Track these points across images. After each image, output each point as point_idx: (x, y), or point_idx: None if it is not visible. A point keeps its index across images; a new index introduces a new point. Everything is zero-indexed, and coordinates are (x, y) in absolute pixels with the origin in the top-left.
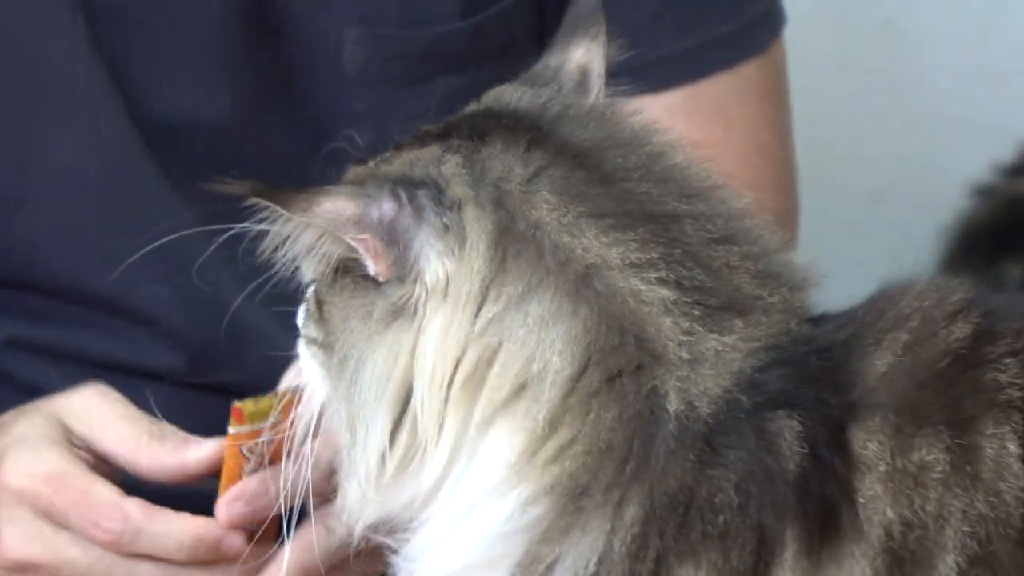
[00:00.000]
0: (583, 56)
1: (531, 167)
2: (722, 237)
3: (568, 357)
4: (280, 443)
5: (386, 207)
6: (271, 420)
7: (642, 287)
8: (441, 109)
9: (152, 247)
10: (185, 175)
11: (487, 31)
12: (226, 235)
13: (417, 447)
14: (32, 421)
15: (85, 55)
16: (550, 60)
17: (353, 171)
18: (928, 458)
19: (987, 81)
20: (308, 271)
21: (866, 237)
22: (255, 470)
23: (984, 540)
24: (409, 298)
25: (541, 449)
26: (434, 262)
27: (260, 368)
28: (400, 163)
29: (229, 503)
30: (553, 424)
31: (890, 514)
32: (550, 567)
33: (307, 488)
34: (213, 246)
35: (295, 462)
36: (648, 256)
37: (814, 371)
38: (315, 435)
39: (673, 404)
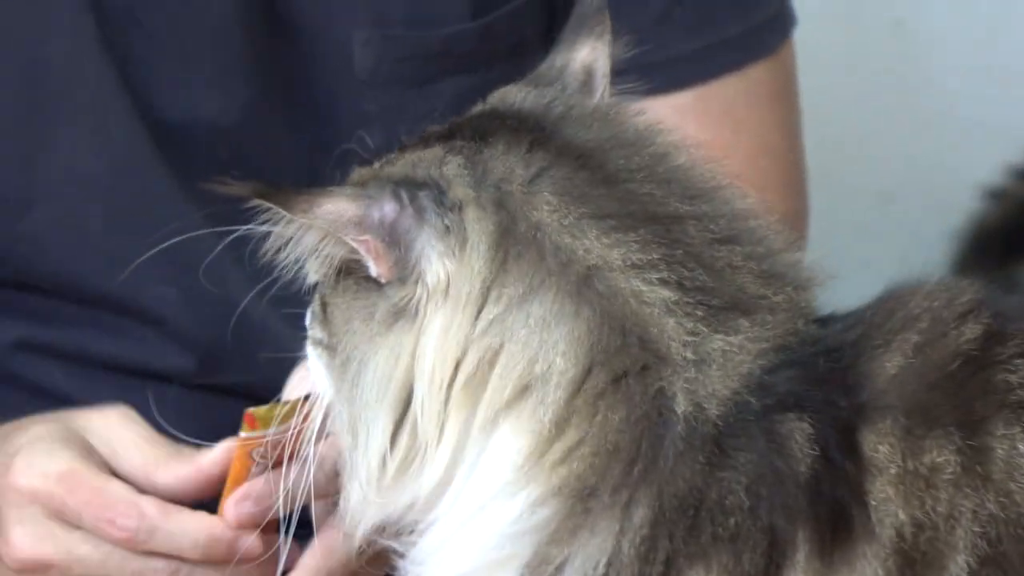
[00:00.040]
0: (588, 55)
1: (533, 168)
2: (725, 237)
3: (572, 358)
4: (291, 448)
5: (387, 208)
6: (283, 426)
7: (643, 288)
8: (451, 110)
9: (160, 248)
10: (193, 175)
11: (497, 31)
12: (233, 236)
13: (418, 449)
14: (49, 426)
15: (93, 55)
16: (555, 60)
17: (357, 172)
18: (939, 460)
19: (997, 82)
20: (312, 273)
21: (876, 238)
22: (260, 474)
23: (995, 540)
24: (410, 299)
25: (549, 451)
26: (435, 263)
27: (269, 369)
28: (403, 164)
29: (237, 503)
30: (560, 425)
31: (902, 516)
32: (559, 568)
33: (311, 489)
34: (220, 247)
35: (300, 464)
36: (649, 257)
37: (823, 372)
38: (321, 437)
39: (681, 406)
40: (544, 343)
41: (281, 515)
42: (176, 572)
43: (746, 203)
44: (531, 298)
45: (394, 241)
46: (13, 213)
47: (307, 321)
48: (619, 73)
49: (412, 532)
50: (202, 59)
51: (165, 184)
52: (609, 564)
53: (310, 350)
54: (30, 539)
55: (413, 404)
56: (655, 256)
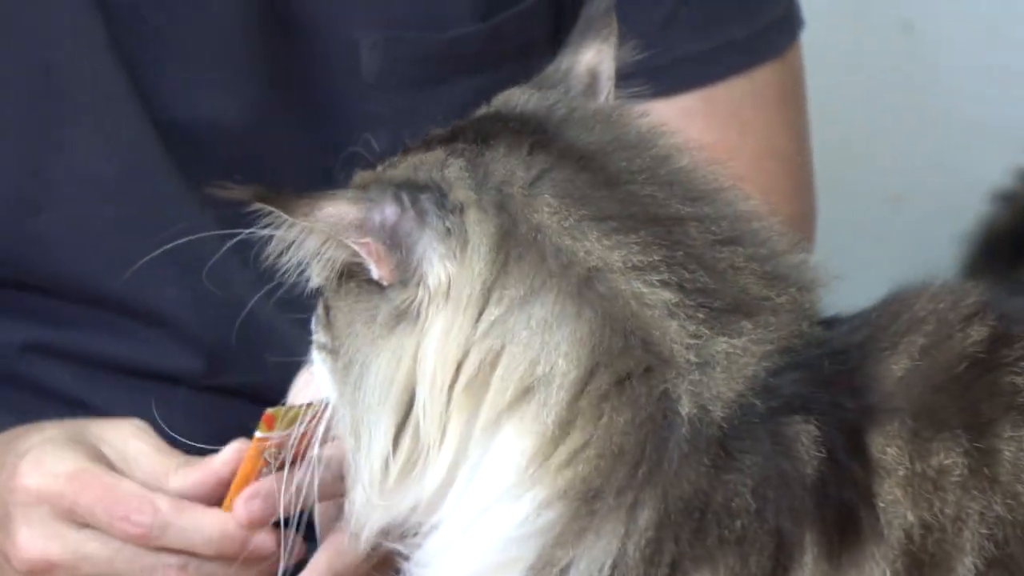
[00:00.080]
0: (593, 58)
1: (534, 170)
2: (727, 239)
3: (574, 359)
4: (297, 453)
5: (388, 211)
6: (299, 430)
7: (644, 290)
8: (458, 111)
9: (168, 249)
10: (202, 177)
11: (505, 33)
12: (240, 237)
13: (420, 451)
14: (60, 430)
15: (101, 57)
16: (561, 63)
17: (360, 176)
18: (947, 462)
19: (1005, 83)
20: (315, 277)
21: (884, 240)
22: (270, 475)
23: (1001, 542)
24: (412, 302)
25: (554, 453)
26: (436, 265)
27: (276, 370)
28: (404, 167)
29: (247, 500)
30: (564, 427)
31: (910, 517)
32: (564, 571)
33: (318, 489)
34: (226, 248)
35: (308, 464)
36: (650, 259)
37: (829, 375)
38: (327, 440)
39: (685, 408)
40: (546, 344)
41: (282, 516)
42: (185, 567)
43: (749, 205)
44: (532, 300)
45: (395, 244)
46: (22, 215)
47: (312, 325)
48: (626, 76)
49: (417, 535)
50: (210, 60)
51: (173, 185)
52: (614, 567)
53: (315, 355)
54: (38, 539)
55: (415, 406)
56: (656, 258)
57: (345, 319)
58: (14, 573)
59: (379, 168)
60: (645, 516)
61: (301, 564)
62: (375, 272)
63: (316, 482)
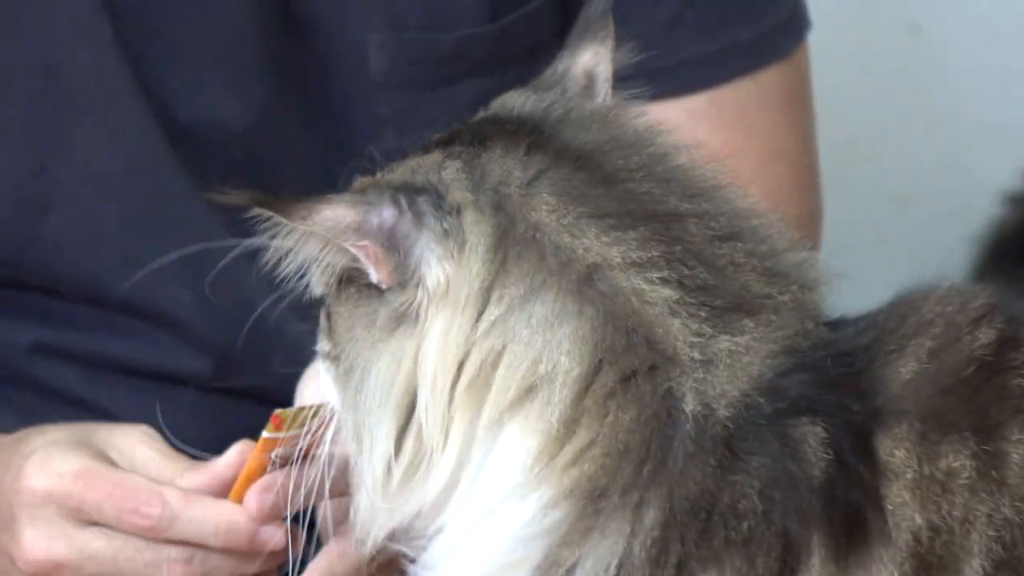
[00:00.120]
0: (590, 60)
1: (531, 170)
2: (726, 235)
3: (576, 357)
4: (307, 450)
5: (386, 213)
6: (306, 436)
7: (645, 287)
8: (466, 113)
9: (177, 251)
10: (208, 176)
11: (512, 34)
12: (247, 238)
13: (423, 454)
14: (66, 432)
15: (108, 57)
16: (558, 65)
17: (359, 181)
18: (955, 464)
19: (1012, 85)
20: (316, 283)
21: (892, 241)
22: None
23: (1009, 544)
24: (411, 304)
25: (560, 452)
26: (435, 267)
27: (284, 372)
28: (402, 171)
29: (259, 493)
30: (569, 426)
31: (918, 520)
32: (569, 571)
33: (326, 486)
34: (236, 250)
35: (317, 460)
36: (649, 255)
37: (836, 377)
38: (335, 441)
39: (690, 405)
40: (548, 343)
41: (289, 512)
42: (190, 561)
43: (748, 202)
44: (533, 298)
45: (393, 246)
46: (26, 215)
47: (318, 334)
48: (630, 77)
49: (422, 537)
50: (217, 60)
51: (180, 185)
52: (620, 566)
53: (320, 363)
54: (43, 540)
55: (416, 409)
56: (654, 254)
57: (346, 324)
58: (20, 575)
59: (379, 174)
60: (651, 516)
61: (302, 565)
62: (374, 275)
63: (328, 479)
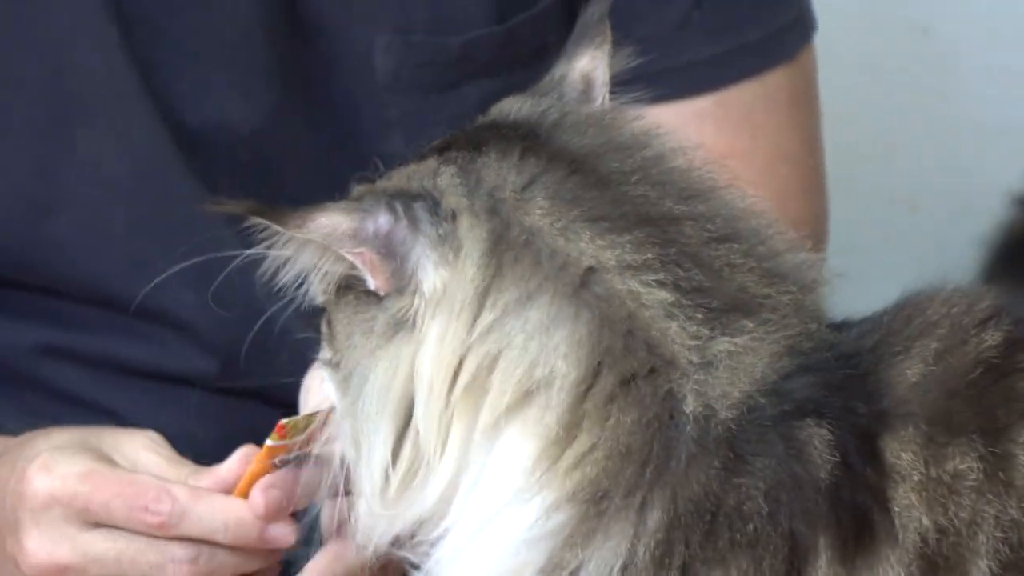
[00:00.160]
0: (587, 64)
1: (525, 175)
2: (723, 236)
3: (573, 361)
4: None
5: (382, 220)
6: (304, 436)
7: (641, 289)
8: (472, 115)
9: (183, 251)
10: (215, 178)
11: (519, 36)
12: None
13: (421, 460)
14: (71, 436)
15: (116, 60)
16: (556, 71)
17: (356, 189)
18: (962, 467)
19: (1021, 86)
20: (315, 292)
21: (900, 244)
22: None
23: (1016, 545)
24: (409, 310)
25: (561, 456)
26: (431, 272)
27: (291, 373)
28: (398, 178)
29: (264, 490)
30: (570, 430)
31: (925, 521)
32: (573, 573)
33: (330, 484)
34: (242, 251)
35: (322, 460)
36: (644, 257)
37: (841, 379)
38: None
39: (691, 406)
40: (544, 347)
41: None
42: (196, 561)
43: (747, 203)
44: (528, 303)
45: (390, 252)
46: (34, 217)
47: (321, 342)
48: (635, 80)
49: (427, 543)
50: (224, 63)
51: (187, 187)
52: (624, 569)
53: (322, 371)
54: (47, 544)
55: (414, 415)
56: (649, 256)
57: (345, 331)
58: None
59: (377, 182)
60: (654, 517)
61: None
62: (371, 282)
63: (331, 478)
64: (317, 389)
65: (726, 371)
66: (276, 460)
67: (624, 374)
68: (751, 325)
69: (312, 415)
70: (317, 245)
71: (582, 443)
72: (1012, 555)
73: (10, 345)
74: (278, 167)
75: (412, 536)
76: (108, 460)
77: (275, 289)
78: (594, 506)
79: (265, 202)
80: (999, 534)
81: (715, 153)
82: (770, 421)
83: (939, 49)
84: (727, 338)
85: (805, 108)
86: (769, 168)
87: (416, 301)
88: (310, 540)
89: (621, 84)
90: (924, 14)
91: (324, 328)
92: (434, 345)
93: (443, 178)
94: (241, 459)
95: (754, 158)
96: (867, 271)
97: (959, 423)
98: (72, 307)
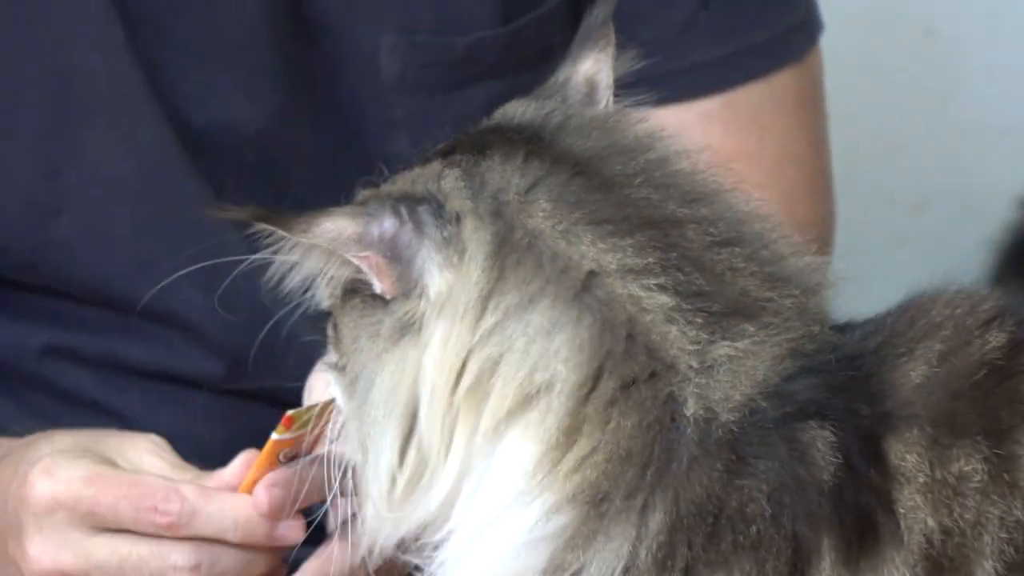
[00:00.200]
0: (591, 67)
1: (529, 177)
2: (725, 240)
3: (574, 365)
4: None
5: (387, 224)
6: (309, 428)
7: (641, 293)
8: (478, 117)
9: (191, 253)
10: (221, 180)
11: (525, 37)
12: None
13: (426, 463)
14: (74, 439)
15: (121, 61)
16: (559, 74)
17: (361, 194)
18: (966, 468)
19: None
20: (322, 296)
21: (907, 245)
22: None
23: (1021, 546)
24: (414, 313)
25: (562, 459)
26: (436, 276)
27: (297, 374)
28: (402, 182)
29: (268, 488)
30: (571, 433)
31: (930, 523)
32: (575, 575)
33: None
34: (248, 252)
35: (326, 458)
36: (645, 261)
37: (844, 380)
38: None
39: (691, 410)
40: (545, 351)
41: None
42: (197, 568)
43: (751, 206)
44: (530, 307)
45: (396, 256)
46: (40, 218)
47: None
48: (641, 81)
49: (430, 546)
50: (229, 64)
51: (192, 187)
52: (626, 571)
53: (328, 374)
54: (49, 549)
55: (419, 418)
56: (651, 260)
57: (351, 335)
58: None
59: (381, 186)
60: (657, 519)
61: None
62: (377, 286)
63: (335, 476)
64: (320, 388)
65: (727, 375)
66: (281, 455)
67: (625, 378)
68: (752, 329)
69: (316, 405)
70: (323, 249)
71: (582, 447)
72: (1017, 556)
73: (16, 346)
74: (283, 167)
75: (416, 539)
76: (111, 464)
77: (282, 293)
78: (594, 508)
79: (270, 205)
80: (1004, 535)
81: (721, 155)
82: (772, 423)
83: (943, 50)
84: (727, 342)
85: (812, 110)
86: (776, 170)
87: (422, 304)
88: (318, 540)
89: (625, 87)
90: (928, 15)
91: (330, 332)
92: (438, 347)
93: (447, 181)
94: (244, 463)
95: (761, 160)
96: (871, 272)
97: (963, 425)
98: (77, 308)
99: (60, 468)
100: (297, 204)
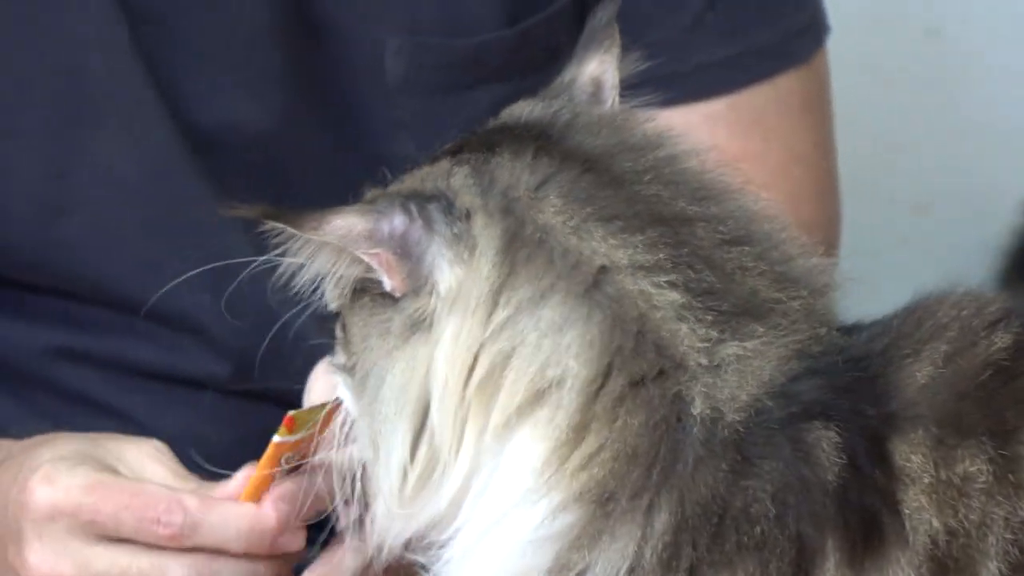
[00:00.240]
0: (596, 68)
1: (539, 174)
2: (735, 239)
3: (585, 361)
4: (309, 454)
5: (397, 221)
6: (313, 432)
7: (652, 290)
8: (484, 118)
9: (198, 255)
10: (226, 180)
11: (532, 38)
12: (265, 239)
13: (437, 459)
14: (75, 445)
15: (127, 62)
16: (565, 75)
17: (370, 193)
18: (971, 469)
19: None
20: (330, 296)
21: (912, 247)
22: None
23: None
24: (425, 310)
25: (570, 457)
26: (447, 272)
27: (305, 375)
28: (411, 180)
29: (277, 501)
30: (579, 431)
31: (935, 524)
32: (580, 575)
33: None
34: (255, 253)
35: (331, 468)
36: (656, 258)
37: (850, 381)
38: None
39: (698, 409)
40: (557, 347)
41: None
42: None
43: (759, 206)
44: (541, 302)
45: (406, 253)
46: (47, 218)
47: (335, 348)
48: (647, 82)
49: (437, 545)
50: (235, 64)
51: (199, 188)
52: (631, 571)
53: (336, 376)
54: (49, 557)
55: (430, 414)
56: (661, 256)
57: (361, 333)
58: None
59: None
60: (662, 520)
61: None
62: (387, 284)
63: (344, 485)
64: (318, 390)
65: (734, 374)
66: (283, 459)
67: (634, 375)
68: (761, 330)
69: (319, 407)
70: (333, 247)
71: (590, 444)
72: (1021, 556)
73: (22, 347)
74: (288, 168)
75: (423, 538)
76: (112, 470)
77: (290, 294)
78: (600, 508)
79: (277, 204)
80: (1009, 536)
81: (727, 156)
82: (778, 424)
83: (946, 50)
84: (737, 342)
85: (818, 111)
86: (782, 171)
87: (432, 301)
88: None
89: (631, 88)
90: (933, 16)
91: (339, 332)
92: (449, 343)
93: (456, 178)
94: (247, 478)
95: (766, 161)
96: (877, 274)
97: (968, 425)
98: (84, 309)
99: (61, 475)
100: (302, 205)
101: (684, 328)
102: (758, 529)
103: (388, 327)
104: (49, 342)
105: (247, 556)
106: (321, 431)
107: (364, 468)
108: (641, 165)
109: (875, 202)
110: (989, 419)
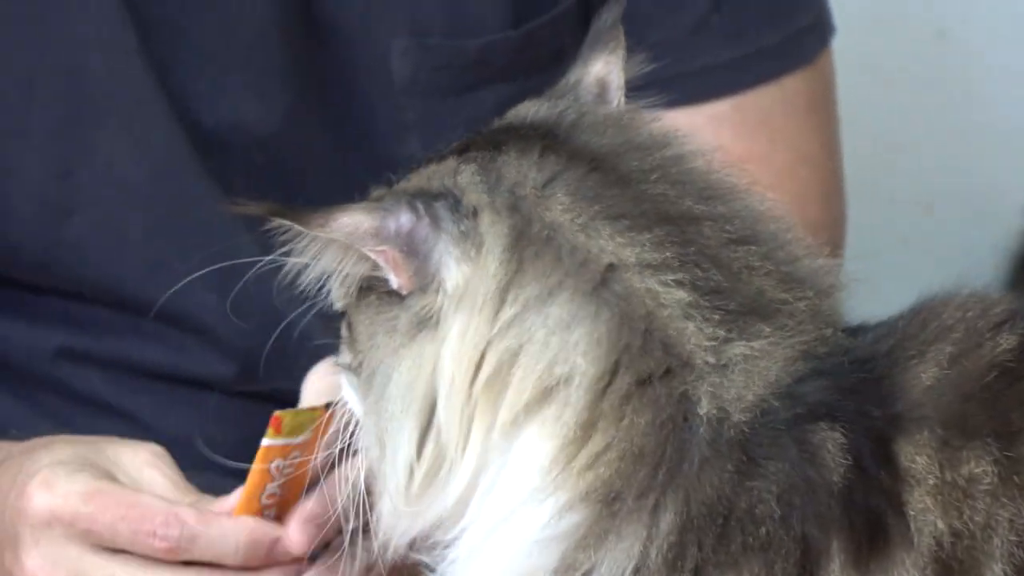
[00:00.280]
0: (602, 69)
1: (546, 172)
2: (742, 238)
3: (592, 359)
4: (306, 464)
5: (404, 219)
6: (304, 437)
7: (659, 289)
8: (489, 119)
9: (204, 255)
10: (231, 181)
11: (536, 40)
12: (271, 240)
13: (444, 456)
14: (74, 449)
15: (133, 63)
16: (570, 76)
17: (376, 191)
18: (976, 470)
19: None
20: (336, 295)
21: (916, 248)
22: (275, 493)
23: None
24: (432, 308)
25: (576, 455)
26: (454, 269)
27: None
28: (418, 178)
29: (303, 524)
30: (586, 429)
31: (940, 525)
32: (586, 575)
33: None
34: (261, 253)
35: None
36: (663, 256)
37: (855, 383)
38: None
39: (705, 409)
40: (564, 344)
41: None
42: None
43: (766, 206)
44: (549, 299)
45: (412, 251)
46: (52, 219)
47: (340, 347)
48: (652, 83)
49: (442, 545)
50: (241, 65)
51: (203, 189)
52: (636, 571)
53: (342, 376)
54: (46, 565)
55: (437, 412)
56: (668, 255)
57: (367, 332)
58: None
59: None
60: (667, 520)
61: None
62: (394, 281)
63: (360, 497)
64: (312, 391)
65: (741, 374)
66: (272, 465)
67: (641, 374)
68: (768, 330)
69: (313, 409)
70: (339, 244)
71: (597, 442)
72: None
73: (28, 348)
74: (293, 168)
75: (428, 538)
76: (110, 477)
77: (295, 294)
78: (607, 507)
79: (283, 203)
80: (1013, 537)
81: (732, 157)
82: (783, 424)
83: (954, 52)
84: (744, 341)
85: (823, 112)
86: (787, 172)
87: (439, 298)
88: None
89: (636, 89)
90: (939, 17)
91: (344, 332)
92: (456, 340)
93: (463, 176)
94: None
95: (772, 162)
96: (883, 275)
97: (974, 427)
98: (90, 310)
99: (59, 481)
100: (308, 204)
101: (691, 327)
102: (763, 530)
103: (395, 325)
104: (54, 342)
105: (242, 569)
106: (312, 444)
107: (368, 474)
108: (648, 164)
109: (879, 202)
110: (994, 420)
